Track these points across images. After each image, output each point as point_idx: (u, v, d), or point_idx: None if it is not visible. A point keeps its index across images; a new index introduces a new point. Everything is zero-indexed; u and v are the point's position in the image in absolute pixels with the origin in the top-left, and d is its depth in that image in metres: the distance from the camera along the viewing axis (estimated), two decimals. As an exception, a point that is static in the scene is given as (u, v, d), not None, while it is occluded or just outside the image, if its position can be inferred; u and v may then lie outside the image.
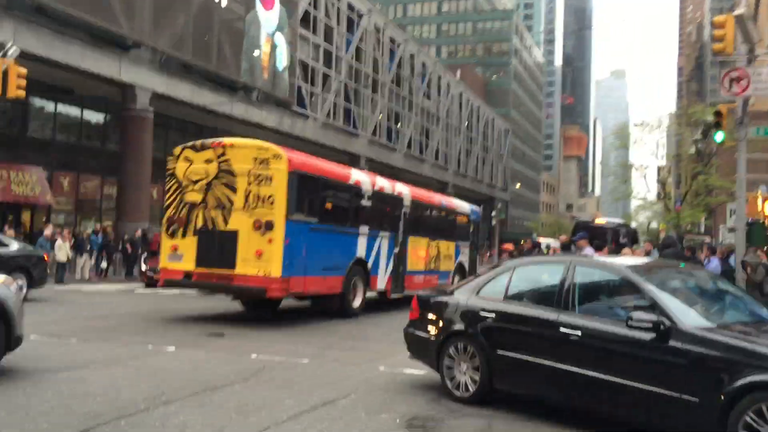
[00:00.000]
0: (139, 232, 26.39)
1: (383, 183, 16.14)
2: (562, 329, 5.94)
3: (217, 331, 11.26)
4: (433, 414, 6.37)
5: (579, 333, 5.82)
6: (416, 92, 60.13)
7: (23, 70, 15.65)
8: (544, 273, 6.92)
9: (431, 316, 7.29)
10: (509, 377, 6.46)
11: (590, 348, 5.78)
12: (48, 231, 21.34)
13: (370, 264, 14.75)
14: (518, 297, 6.75)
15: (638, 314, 5.38)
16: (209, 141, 12.88)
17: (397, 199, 16.33)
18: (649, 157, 41.29)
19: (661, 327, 5.31)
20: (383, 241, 15.32)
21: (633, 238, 26.58)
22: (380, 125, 54.03)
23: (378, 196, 15.32)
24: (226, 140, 12.80)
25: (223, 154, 12.38)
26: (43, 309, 13.41)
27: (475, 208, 22.96)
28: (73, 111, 32.10)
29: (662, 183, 42.98)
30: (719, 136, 15.44)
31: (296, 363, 8.64)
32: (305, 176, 12.52)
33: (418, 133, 61.29)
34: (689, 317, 5.46)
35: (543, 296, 6.55)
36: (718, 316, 5.85)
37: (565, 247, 14.29)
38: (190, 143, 13.09)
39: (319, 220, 12.93)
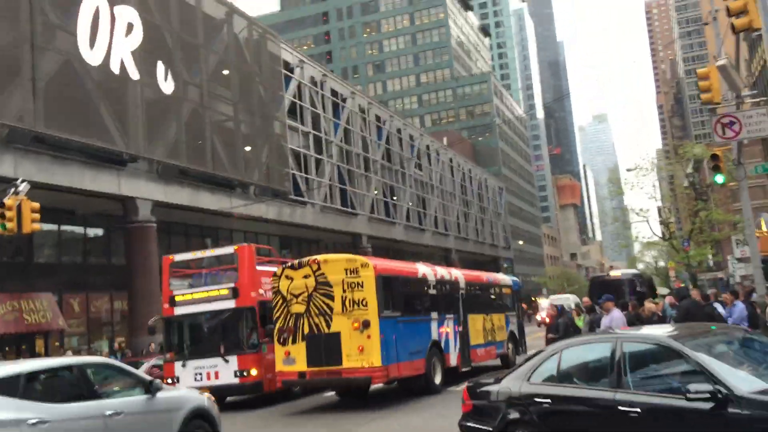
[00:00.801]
0: (153, 346, 26.20)
1: (442, 272, 18.59)
2: (620, 408, 6.03)
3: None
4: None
5: (638, 410, 5.92)
6: (407, 164, 61.11)
7: (36, 205, 16.06)
8: (591, 352, 7.06)
9: (484, 407, 7.38)
10: (573, 460, 6.52)
11: (650, 423, 5.87)
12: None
13: (443, 344, 16.75)
14: (569, 379, 6.87)
15: (695, 386, 5.50)
16: (305, 259, 15.66)
17: (454, 284, 18.56)
18: (647, 200, 42.04)
19: (719, 395, 5.42)
20: (449, 323, 17.39)
21: (650, 286, 26.67)
22: (376, 202, 54.70)
23: (440, 283, 17.62)
24: (320, 257, 15.55)
25: (318, 269, 14.90)
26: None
27: (515, 278, 24.71)
28: (77, 230, 32.53)
29: (665, 224, 43.36)
30: (720, 178, 15.80)
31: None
32: (387, 278, 14.96)
33: (414, 204, 61.97)
34: (744, 381, 5.58)
35: (594, 376, 6.68)
36: (768, 374, 5.96)
37: (590, 310, 14.39)
38: (288, 264, 16.02)
39: (401, 313, 15.11)
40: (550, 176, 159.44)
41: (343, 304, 14.22)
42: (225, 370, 15.71)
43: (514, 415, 6.98)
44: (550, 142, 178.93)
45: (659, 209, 43.60)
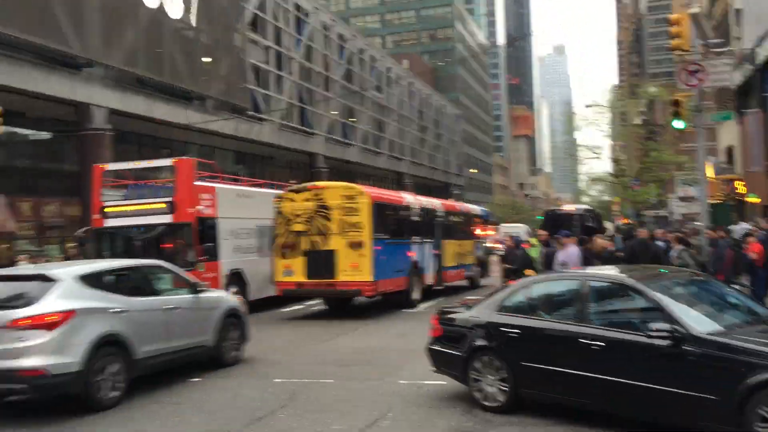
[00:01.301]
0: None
1: (424, 200, 20.73)
2: (584, 340, 6.57)
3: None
4: (471, 425, 6.98)
5: (601, 343, 6.46)
6: (367, 86, 60.55)
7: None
8: (559, 289, 7.58)
9: (454, 333, 7.87)
10: (535, 386, 7.09)
11: (611, 355, 6.43)
12: (24, 261, 21.14)
13: (421, 265, 18.71)
14: (537, 312, 7.38)
15: (656, 325, 6.05)
16: (307, 184, 17.97)
17: (433, 212, 20.56)
18: (601, 137, 42.93)
19: (676, 334, 5.99)
20: (427, 246, 19.32)
21: (599, 222, 27.71)
22: (334, 122, 54.37)
23: (422, 211, 19.55)
24: (321, 183, 18.69)
25: (319, 194, 16.73)
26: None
27: (484, 209, 27.52)
28: (29, 134, 31.61)
29: (616, 161, 44.40)
30: (679, 124, 16.35)
31: (322, 384, 9.12)
32: (380, 205, 16.86)
33: (372, 126, 61.81)
34: (700, 324, 6.15)
35: (562, 311, 7.22)
36: (722, 319, 6.55)
37: (546, 244, 14.96)
38: (291, 187, 17.98)
39: (389, 236, 16.96)
40: (506, 106, 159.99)
41: (340, 225, 16.18)
42: None
43: (481, 342, 7.49)
44: (509, 71, 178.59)
45: (611, 147, 44.61)
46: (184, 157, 16.92)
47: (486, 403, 7.40)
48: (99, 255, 16.17)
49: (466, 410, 7.50)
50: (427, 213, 19.88)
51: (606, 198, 70.49)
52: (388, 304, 17.70)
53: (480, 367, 7.47)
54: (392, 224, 17.48)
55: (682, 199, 45.39)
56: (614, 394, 6.44)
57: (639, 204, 45.46)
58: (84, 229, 17.85)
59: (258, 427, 7.23)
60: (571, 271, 9.11)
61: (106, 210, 16.40)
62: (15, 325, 7.64)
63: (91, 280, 8.59)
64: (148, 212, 15.90)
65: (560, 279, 8.06)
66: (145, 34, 31.55)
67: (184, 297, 10.01)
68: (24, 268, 12.29)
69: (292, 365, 10.60)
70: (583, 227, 22.99)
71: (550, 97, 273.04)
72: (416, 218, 18.85)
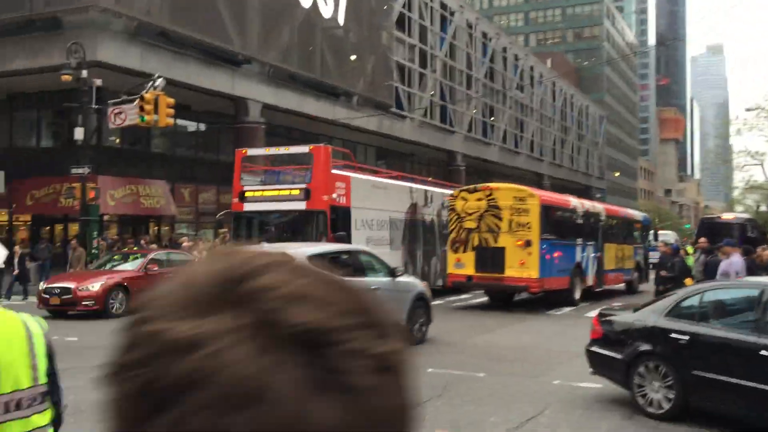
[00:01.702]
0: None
1: (588, 204, 21.85)
2: (763, 353, 6.23)
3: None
4: (635, 430, 6.80)
5: (782, 356, 6.11)
6: (509, 85, 59.83)
7: (171, 100, 17.04)
8: (736, 297, 7.23)
9: (617, 336, 7.70)
10: (706, 396, 6.80)
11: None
12: (186, 243, 22.76)
13: (583, 266, 19.40)
14: (710, 319, 7.06)
15: None
16: (480, 185, 18.73)
17: (597, 216, 21.34)
18: (763, 142, 39.89)
19: None
20: (590, 249, 19.99)
21: (762, 232, 25.84)
22: (475, 121, 54.18)
23: (586, 214, 20.38)
24: (493, 185, 18.82)
25: (490, 195, 17.75)
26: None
27: (646, 215, 28.08)
28: (190, 125, 33.99)
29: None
30: None
31: (474, 376, 9.22)
32: (548, 207, 17.86)
33: (512, 126, 61.00)
34: None
35: (738, 320, 6.87)
36: None
37: (707, 252, 14.24)
38: (464, 187, 19.61)
39: (555, 237, 17.71)
40: (654, 108, 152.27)
41: (510, 225, 17.22)
42: None
43: (648, 346, 7.27)
44: (659, 71, 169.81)
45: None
46: (321, 144, 17.11)
47: (649, 410, 7.18)
48: (236, 238, 16.83)
49: (627, 415, 7.33)
50: (591, 216, 20.80)
51: (764, 208, 65.53)
52: (547, 302, 18.34)
53: (644, 373, 7.26)
54: (558, 226, 18.29)
55: None
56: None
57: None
58: (223, 212, 18.85)
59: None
60: (750, 280, 8.62)
61: (245, 194, 16.77)
62: None
63: (316, 260, 9.62)
64: (284, 198, 16.23)
65: (738, 287, 7.68)
66: (299, 32, 33.02)
67: (384, 279, 11.55)
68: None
69: (446, 356, 10.76)
70: (743, 237, 21.52)
71: (703, 99, 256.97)
72: (580, 221, 19.77)
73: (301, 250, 10.07)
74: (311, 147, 16.85)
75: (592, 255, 20.02)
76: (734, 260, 12.21)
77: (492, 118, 57.53)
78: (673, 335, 7.07)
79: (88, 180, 22.15)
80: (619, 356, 7.54)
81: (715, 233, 18.98)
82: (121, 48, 25.65)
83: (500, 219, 17.36)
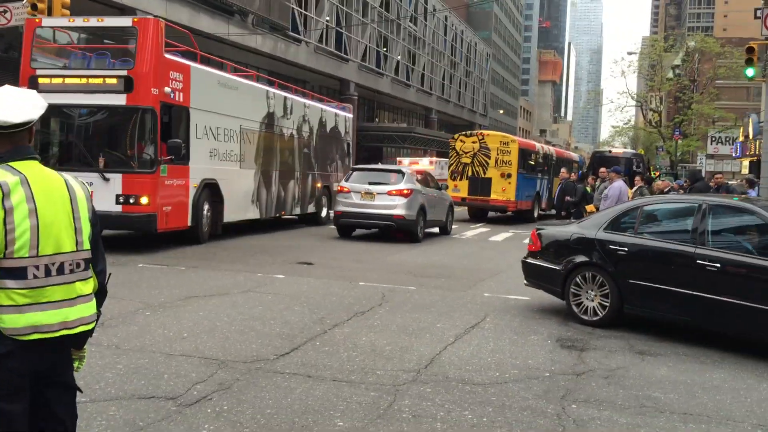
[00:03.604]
0: None
1: (546, 147, 28.18)
2: (699, 261, 6.69)
3: (300, 261, 11.88)
4: (572, 335, 7.18)
5: (717, 265, 6.58)
6: (404, 16, 59.46)
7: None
8: (674, 212, 7.67)
9: (555, 248, 8.01)
10: (642, 304, 7.24)
11: (727, 278, 6.56)
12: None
13: (541, 194, 25.48)
14: (647, 232, 7.46)
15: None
16: (475, 132, 25.20)
17: (549, 156, 27.28)
18: (629, 87, 42.23)
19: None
20: (544, 181, 26.02)
21: (646, 167, 27.93)
22: (369, 50, 53.64)
23: (544, 155, 26.39)
24: (485, 132, 25.50)
25: (482, 139, 23.52)
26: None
27: (580, 156, 35.18)
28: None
29: (656, 111, 43.71)
30: (750, 72, 16.10)
31: (405, 290, 9.36)
32: (523, 150, 23.73)
33: (404, 58, 60.95)
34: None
35: (676, 232, 7.31)
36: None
37: (604, 180, 15.07)
38: (463, 133, 24.92)
39: (526, 171, 23.46)
40: (535, 49, 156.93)
41: (496, 162, 22.86)
42: (103, 192, 11.39)
43: (586, 258, 7.62)
44: (542, 14, 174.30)
45: (649, 96, 43.95)
46: (148, 17, 12.93)
47: (584, 317, 7.58)
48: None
49: (562, 322, 7.71)
50: (546, 157, 26.80)
51: (630, 150, 69.94)
52: (518, 219, 24.34)
53: (581, 282, 7.62)
54: (528, 163, 23.88)
55: (710, 156, 45.03)
56: (723, 314, 6.61)
57: (675, 157, 45.06)
58: None
59: (363, 319, 7.45)
60: (687, 196, 9.19)
61: (39, 80, 12.02)
62: (390, 194, 15.38)
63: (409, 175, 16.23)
64: (94, 89, 11.94)
65: (675, 202, 8.15)
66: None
67: (435, 190, 17.11)
68: (387, 166, 21.24)
69: (368, 273, 10.84)
70: (631, 171, 23.03)
71: (579, 44, 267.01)
72: (541, 160, 25.28)
73: (408, 168, 15.75)
74: (135, 19, 12.66)
75: (546, 185, 26.09)
76: (619, 184, 13.05)
77: (385, 49, 57.16)
78: (612, 247, 7.44)
79: None
80: (556, 267, 7.86)
81: (605, 166, 20.10)
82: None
83: (489, 157, 22.84)
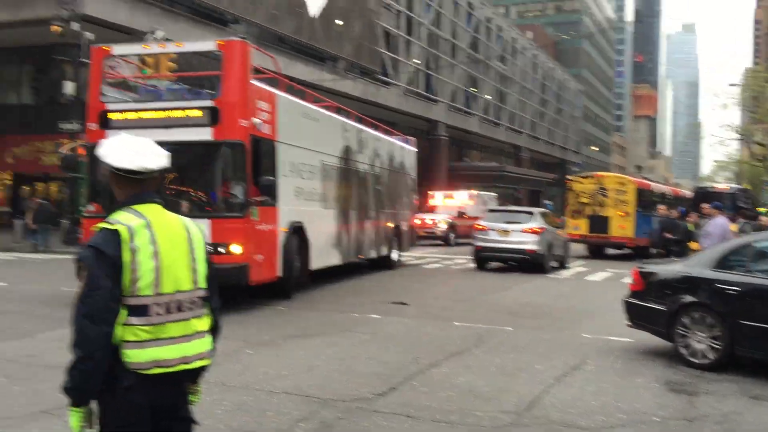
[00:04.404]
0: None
1: (662, 187, 30.79)
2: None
3: (394, 301, 11.93)
4: (680, 378, 6.85)
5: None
6: (492, 56, 59.68)
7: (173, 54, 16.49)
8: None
9: (659, 288, 7.72)
10: (754, 345, 6.85)
11: None
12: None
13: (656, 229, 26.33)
14: (760, 270, 7.08)
15: None
16: (592, 173, 26.75)
17: (665, 194, 28.09)
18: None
19: None
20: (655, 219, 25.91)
21: (753, 202, 26.71)
22: (457, 91, 54.03)
23: (660, 193, 27.51)
24: (601, 174, 26.91)
25: (600, 180, 24.80)
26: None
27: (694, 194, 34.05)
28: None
29: (761, 144, 41.61)
30: None
31: (501, 330, 9.22)
32: (640, 190, 24.82)
33: (493, 97, 61.00)
34: None
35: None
36: None
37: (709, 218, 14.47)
38: (581, 174, 27.64)
39: (643, 210, 23.95)
40: (629, 84, 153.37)
41: (614, 201, 23.99)
42: None
43: (691, 298, 7.30)
44: (634, 48, 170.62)
45: (753, 130, 41.99)
46: (235, 38, 11.19)
47: (693, 360, 7.22)
48: (93, 188, 11.06)
49: (668, 364, 7.37)
50: (662, 195, 27.51)
51: (735, 185, 66.70)
52: (637, 255, 22.46)
53: (689, 323, 7.29)
54: (645, 202, 24.59)
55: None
56: None
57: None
58: (69, 146, 12.90)
59: (459, 359, 7.40)
60: None
61: (110, 116, 10.73)
62: (524, 231, 17.63)
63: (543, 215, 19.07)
64: (175, 123, 10.38)
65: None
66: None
67: (557, 228, 19.91)
68: (518, 207, 24.34)
69: (466, 312, 10.76)
70: (734, 207, 21.99)
71: (676, 77, 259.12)
72: (656, 198, 25.80)
73: (538, 209, 17.45)
74: (220, 42, 10.87)
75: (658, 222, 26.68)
76: (718, 221, 12.48)
77: (474, 89, 57.44)
78: (722, 286, 7.10)
79: (77, 136, 21.55)
80: (661, 307, 7.56)
81: (708, 202, 19.33)
82: (111, 3, 24.92)
83: (606, 197, 24.10)
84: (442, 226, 29.21)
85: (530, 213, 18.83)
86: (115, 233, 2.56)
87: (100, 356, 2.49)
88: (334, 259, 14.32)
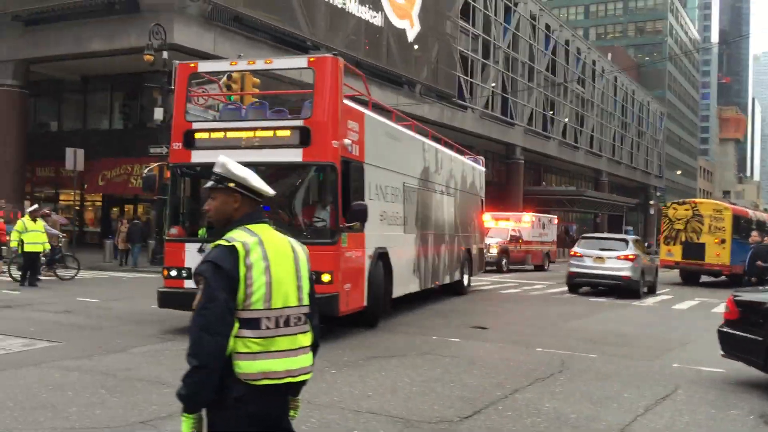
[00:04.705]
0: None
1: (760, 214, 29.96)
2: None
3: (474, 325, 11.85)
4: (780, 412, 6.52)
5: None
6: (570, 78, 58.89)
7: (256, 80, 17.01)
8: None
9: (756, 316, 7.41)
10: None
11: None
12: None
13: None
14: None
15: None
16: (687, 200, 26.67)
17: (763, 222, 27.65)
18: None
19: None
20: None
21: None
22: (535, 114, 53.50)
23: (757, 221, 26.85)
24: (697, 200, 26.93)
25: (695, 206, 25.11)
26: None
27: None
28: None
29: None
30: None
31: (585, 357, 9.02)
32: (737, 216, 24.91)
33: (572, 120, 60.06)
34: None
35: None
36: None
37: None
38: (675, 201, 27.09)
39: (739, 237, 23.66)
40: (715, 106, 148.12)
41: (709, 227, 24.27)
42: None
43: (791, 327, 6.98)
44: (720, 69, 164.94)
45: None
46: (327, 54, 10.48)
47: (793, 392, 6.90)
48: (174, 210, 10.78)
49: (765, 396, 7.05)
50: (760, 223, 26.80)
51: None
52: (731, 283, 21.74)
53: (788, 354, 6.98)
54: (740, 229, 24.44)
55: None
56: None
57: None
58: (151, 166, 12.90)
59: (543, 386, 7.27)
60: None
61: (195, 136, 10.30)
62: (618, 258, 18.21)
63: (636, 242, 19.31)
64: (263, 143, 9.90)
65: None
66: (365, 20, 33.10)
67: (649, 256, 20.44)
68: (612, 235, 23.90)
69: (547, 338, 10.59)
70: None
71: (764, 99, 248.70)
72: (753, 226, 25.03)
73: (631, 236, 19.36)
74: (311, 58, 10.39)
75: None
76: None
77: (552, 112, 56.74)
78: (824, 315, 6.77)
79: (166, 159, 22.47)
80: (758, 337, 7.24)
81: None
82: (196, 32, 26.01)
83: (702, 224, 24.30)
84: (493, 252, 26.78)
85: (624, 240, 19.48)
86: (233, 249, 2.70)
87: (215, 366, 2.61)
88: (414, 285, 13.65)
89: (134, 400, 6.18)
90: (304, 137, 9.70)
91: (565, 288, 19.57)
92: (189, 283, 9.86)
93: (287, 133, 9.85)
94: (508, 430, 5.63)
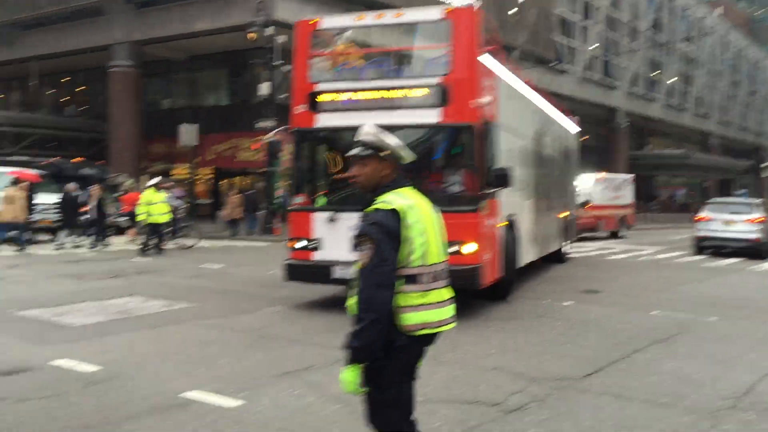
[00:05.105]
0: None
1: None
2: None
3: (586, 289, 11.88)
4: None
5: None
6: (677, 37, 56.16)
7: (361, 51, 17.36)
8: None
9: None
10: None
11: None
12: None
13: None
14: None
15: None
16: None
17: None
18: None
19: None
20: None
21: None
22: (638, 76, 51.52)
23: None
24: None
25: None
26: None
27: None
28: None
29: None
30: None
31: (704, 320, 8.94)
32: None
33: (678, 80, 57.42)
34: None
35: None
36: None
37: None
38: None
39: None
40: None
41: None
42: None
43: None
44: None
45: None
46: (464, 5, 9.36)
47: None
48: (298, 177, 9.99)
49: None
50: None
51: None
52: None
53: None
54: None
55: None
56: None
57: None
58: (275, 131, 11.83)
59: (663, 347, 7.32)
60: None
61: (319, 98, 9.54)
62: (747, 222, 18.75)
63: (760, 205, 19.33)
64: (395, 104, 9.13)
65: None
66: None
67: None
68: (740, 199, 24.18)
69: (663, 302, 10.49)
70: None
71: None
72: None
73: (756, 200, 18.84)
74: (447, 9, 9.14)
75: None
76: None
77: (656, 72, 54.45)
78: None
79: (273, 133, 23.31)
80: None
81: None
82: (298, 7, 26.60)
83: None
84: None
85: (751, 204, 20.21)
86: (395, 212, 2.98)
87: (387, 319, 2.93)
88: (531, 255, 12.84)
89: (274, 355, 6.72)
90: (442, 96, 8.89)
91: (673, 254, 19.18)
92: (317, 255, 9.40)
93: (424, 91, 9.03)
94: (631, 387, 5.76)
